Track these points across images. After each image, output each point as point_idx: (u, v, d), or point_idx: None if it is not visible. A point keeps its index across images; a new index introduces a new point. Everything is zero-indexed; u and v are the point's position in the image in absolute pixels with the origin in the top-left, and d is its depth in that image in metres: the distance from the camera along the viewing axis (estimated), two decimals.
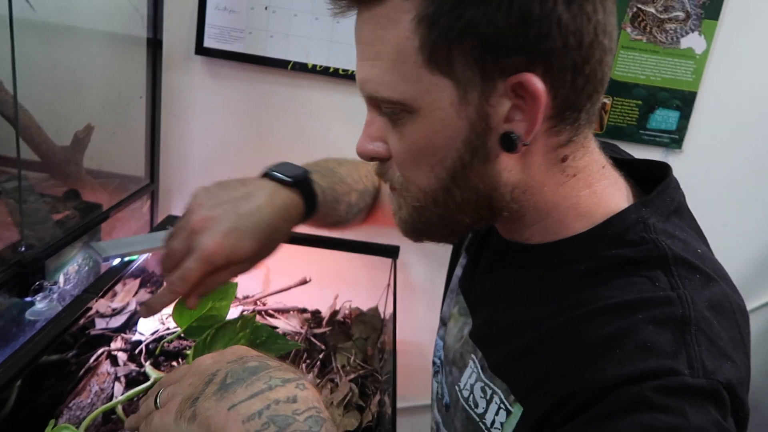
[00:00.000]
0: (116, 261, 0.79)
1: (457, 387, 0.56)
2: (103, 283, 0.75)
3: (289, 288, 0.98)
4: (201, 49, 1.10)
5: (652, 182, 0.52)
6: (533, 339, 0.46)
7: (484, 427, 0.50)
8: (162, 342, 0.79)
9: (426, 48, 0.43)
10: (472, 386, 0.53)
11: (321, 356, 0.83)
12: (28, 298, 0.72)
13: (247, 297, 0.99)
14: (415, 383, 1.16)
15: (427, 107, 0.45)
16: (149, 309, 0.59)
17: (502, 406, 0.48)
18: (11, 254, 0.73)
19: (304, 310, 0.97)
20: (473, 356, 0.54)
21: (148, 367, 0.75)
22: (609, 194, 0.49)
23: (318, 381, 0.79)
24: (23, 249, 0.75)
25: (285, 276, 1.09)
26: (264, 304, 0.97)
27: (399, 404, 0.79)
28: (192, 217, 0.58)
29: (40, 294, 0.72)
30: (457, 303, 0.62)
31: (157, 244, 0.82)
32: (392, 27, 0.44)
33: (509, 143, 0.44)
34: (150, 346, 0.80)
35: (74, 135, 0.89)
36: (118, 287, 0.84)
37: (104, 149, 0.98)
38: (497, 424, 0.48)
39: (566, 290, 0.46)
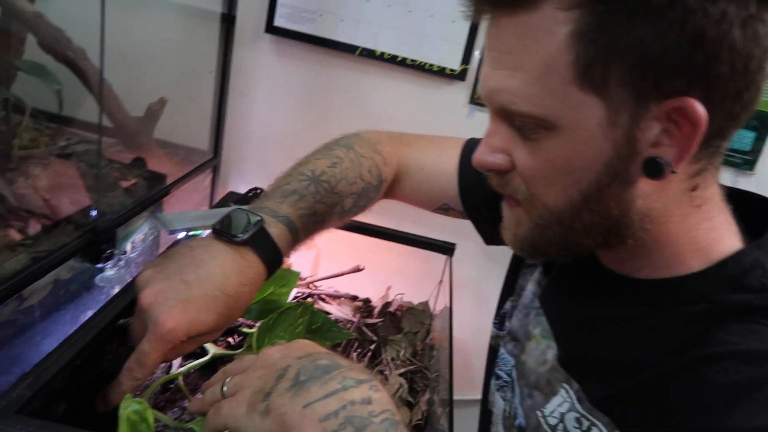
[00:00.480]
0: (181, 234, 0.81)
1: (539, 412, 0.55)
2: None
3: (342, 274, 0.99)
4: (271, 28, 1.10)
5: (742, 215, 0.50)
6: (647, 378, 0.45)
7: None
8: None
9: (580, 64, 0.41)
10: (563, 415, 0.52)
11: (372, 347, 0.84)
12: (99, 265, 0.74)
13: (300, 279, 0.99)
14: (458, 379, 1.16)
15: (571, 125, 0.43)
16: (107, 402, 0.54)
17: None
18: (84, 219, 0.75)
19: (355, 298, 0.97)
20: (566, 386, 0.53)
21: None
22: (725, 230, 0.48)
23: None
24: (94, 214, 0.77)
25: (334, 260, 1.10)
26: (315, 288, 0.98)
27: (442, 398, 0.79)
28: (140, 294, 0.53)
29: (111, 261, 0.74)
30: (539, 324, 0.60)
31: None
32: (543, 38, 0.42)
33: (655, 169, 0.42)
34: None
35: (148, 107, 0.91)
36: None
37: (172, 121, 0.99)
38: None
39: (682, 331, 0.45)
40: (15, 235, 0.71)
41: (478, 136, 0.83)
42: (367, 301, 0.98)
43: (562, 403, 0.52)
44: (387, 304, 0.95)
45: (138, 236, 0.84)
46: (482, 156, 0.50)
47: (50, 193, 0.79)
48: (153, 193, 0.87)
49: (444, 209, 0.80)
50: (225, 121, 1.09)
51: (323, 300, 0.95)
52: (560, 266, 0.60)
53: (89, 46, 0.75)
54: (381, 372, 0.80)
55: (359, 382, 0.40)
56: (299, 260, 1.12)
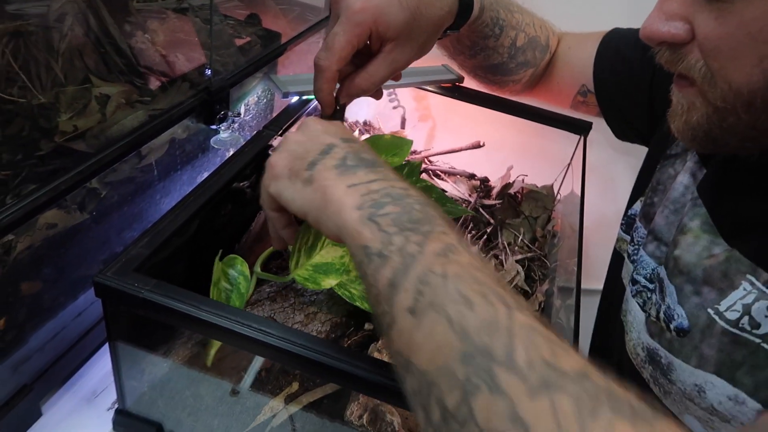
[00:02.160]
0: (294, 98, 0.77)
1: (711, 310, 0.49)
2: (282, 121, 0.73)
3: (460, 150, 0.92)
4: None
5: None
6: None
7: None
8: None
9: None
10: (747, 306, 0.46)
11: (488, 230, 0.78)
12: (213, 126, 0.72)
13: (413, 152, 0.94)
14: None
15: None
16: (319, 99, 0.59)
17: None
18: (199, 78, 0.73)
19: (472, 176, 0.91)
20: (751, 277, 0.47)
21: None
22: None
23: (483, 255, 0.76)
24: (209, 72, 0.74)
25: (451, 134, 1.03)
26: (430, 163, 0.93)
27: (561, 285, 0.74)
28: None
29: (225, 123, 0.72)
30: (697, 216, 0.52)
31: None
32: None
33: None
34: None
35: None
36: None
37: None
38: None
39: None
40: (135, 92, 0.70)
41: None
42: (485, 180, 0.92)
43: (745, 295, 0.46)
44: (507, 185, 0.88)
45: (252, 98, 0.82)
46: (654, 24, 0.41)
47: (167, 49, 0.77)
48: (267, 52, 0.83)
49: (582, 94, 0.75)
50: None
51: (438, 176, 0.89)
52: (723, 157, 0.51)
53: None
54: (496, 257, 0.76)
55: (399, 179, 0.40)
56: (413, 133, 1.06)
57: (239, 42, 0.85)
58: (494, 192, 0.87)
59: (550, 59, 0.78)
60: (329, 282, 0.56)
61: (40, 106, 0.61)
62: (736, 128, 0.41)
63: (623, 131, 0.77)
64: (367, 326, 0.60)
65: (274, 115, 0.86)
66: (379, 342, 0.57)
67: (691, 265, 0.51)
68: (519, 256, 0.75)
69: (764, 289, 0.45)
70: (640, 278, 0.59)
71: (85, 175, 0.54)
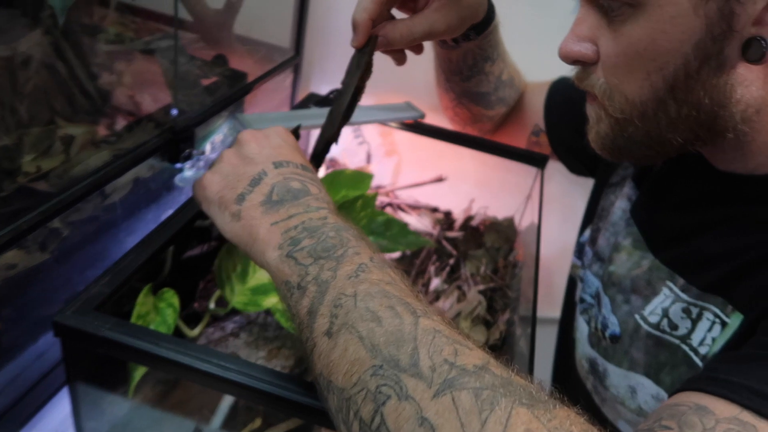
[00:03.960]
0: None
1: (637, 315, 0.53)
2: None
3: (423, 184, 0.95)
4: None
5: None
6: (762, 254, 0.43)
7: (687, 348, 0.48)
8: None
9: None
10: (665, 310, 0.50)
11: (451, 261, 0.80)
12: (178, 165, 0.73)
13: (379, 187, 0.96)
14: (539, 296, 1.12)
15: (657, 1, 0.39)
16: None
17: (716, 320, 0.46)
18: (164, 117, 0.74)
19: (435, 210, 0.93)
20: (669, 283, 0.51)
21: None
22: None
23: (445, 286, 0.77)
24: (175, 112, 0.75)
25: (417, 169, 1.05)
26: (395, 197, 0.95)
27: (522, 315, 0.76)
28: None
29: (189, 162, 0.73)
30: (630, 235, 0.57)
31: (301, 122, 0.80)
32: None
33: (757, 52, 0.38)
34: None
35: None
36: None
37: (253, 15, 0.95)
38: (707, 341, 0.46)
39: None
40: (100, 132, 0.71)
41: None
42: (448, 213, 0.94)
43: (664, 300, 0.51)
44: (469, 218, 0.90)
45: (217, 137, 0.83)
46: (567, 46, 0.46)
47: (133, 90, 0.78)
48: (233, 92, 0.84)
49: (535, 134, 0.82)
50: (307, 16, 1.03)
51: (402, 210, 0.91)
52: (652, 179, 0.56)
53: None
54: (459, 288, 0.77)
55: (319, 208, 0.44)
56: (379, 168, 1.09)
57: (206, 82, 0.87)
58: (457, 224, 0.89)
59: (513, 106, 0.83)
60: (270, 301, 0.58)
61: (3, 148, 0.62)
62: (636, 137, 0.45)
63: (575, 166, 0.82)
64: None
65: None
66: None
67: (622, 276, 0.55)
68: (481, 287, 0.77)
69: (679, 293, 0.49)
70: (587, 296, 0.63)
71: (47, 215, 0.54)
